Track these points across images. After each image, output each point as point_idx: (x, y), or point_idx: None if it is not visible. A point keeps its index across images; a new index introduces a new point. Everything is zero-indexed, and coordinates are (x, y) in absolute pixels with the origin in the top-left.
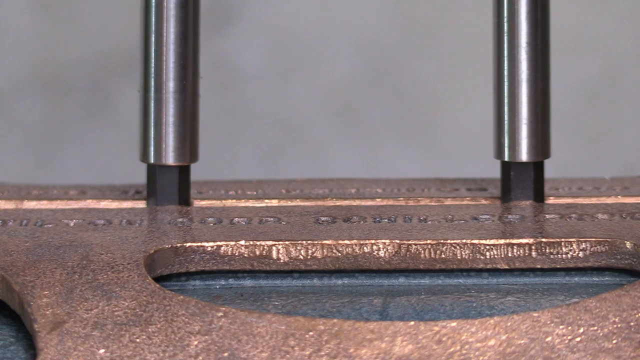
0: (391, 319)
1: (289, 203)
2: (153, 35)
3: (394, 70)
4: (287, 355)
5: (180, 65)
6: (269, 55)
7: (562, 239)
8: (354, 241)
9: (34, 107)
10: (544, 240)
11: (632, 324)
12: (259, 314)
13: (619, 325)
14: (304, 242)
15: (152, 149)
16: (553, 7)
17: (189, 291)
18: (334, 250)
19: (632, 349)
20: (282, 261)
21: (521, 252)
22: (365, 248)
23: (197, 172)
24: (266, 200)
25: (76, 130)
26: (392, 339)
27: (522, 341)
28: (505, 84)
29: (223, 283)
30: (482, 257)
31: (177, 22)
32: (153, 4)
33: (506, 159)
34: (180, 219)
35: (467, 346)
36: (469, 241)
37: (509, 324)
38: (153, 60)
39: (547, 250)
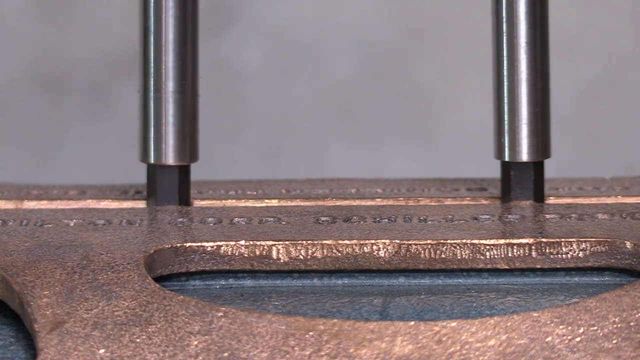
0: (391, 319)
1: (289, 203)
2: (152, 35)
3: (394, 70)
4: (287, 355)
5: (179, 65)
6: (269, 55)
7: (562, 239)
8: (354, 241)
9: (34, 107)
10: (544, 240)
11: (632, 324)
12: (259, 314)
13: (619, 325)
14: (304, 242)
15: (152, 149)
16: (553, 7)
17: (189, 291)
18: (334, 250)
19: (632, 349)
20: (282, 261)
21: (521, 252)
22: (365, 248)
23: (197, 172)
24: (266, 200)
25: (76, 130)
26: (392, 339)
27: (522, 341)
28: (505, 84)
29: (223, 283)
30: (482, 257)
31: (176, 22)
32: (152, 3)
33: (506, 159)
34: (180, 219)
35: (467, 346)
36: (469, 241)
37: (509, 324)
38: (152, 60)
39: (547, 250)
